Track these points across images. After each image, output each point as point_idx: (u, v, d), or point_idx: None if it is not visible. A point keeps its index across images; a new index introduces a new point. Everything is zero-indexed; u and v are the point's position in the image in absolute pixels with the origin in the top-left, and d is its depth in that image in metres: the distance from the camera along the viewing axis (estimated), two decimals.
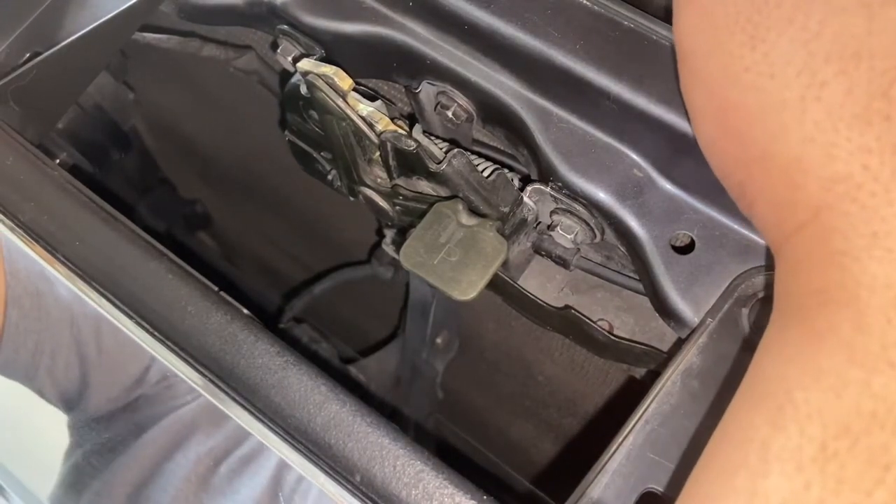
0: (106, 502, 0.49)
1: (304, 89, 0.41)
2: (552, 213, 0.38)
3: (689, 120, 0.30)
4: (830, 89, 0.22)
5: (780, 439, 0.21)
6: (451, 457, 0.79)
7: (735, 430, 0.22)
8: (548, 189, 0.37)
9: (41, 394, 0.49)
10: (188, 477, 0.47)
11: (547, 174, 0.36)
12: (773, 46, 0.23)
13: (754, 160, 0.24)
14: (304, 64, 0.38)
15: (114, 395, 0.50)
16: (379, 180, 0.43)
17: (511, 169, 0.41)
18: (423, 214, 0.39)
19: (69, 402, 0.50)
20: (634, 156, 0.35)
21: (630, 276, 0.40)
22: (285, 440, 0.31)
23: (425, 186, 0.39)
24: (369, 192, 0.44)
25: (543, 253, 0.40)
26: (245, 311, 0.34)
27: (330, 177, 0.47)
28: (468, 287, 0.37)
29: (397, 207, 0.43)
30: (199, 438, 0.47)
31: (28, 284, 0.45)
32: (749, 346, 0.30)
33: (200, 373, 0.32)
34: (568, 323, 0.41)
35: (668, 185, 0.35)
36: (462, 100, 0.39)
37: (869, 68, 0.22)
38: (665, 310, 0.33)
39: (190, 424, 0.48)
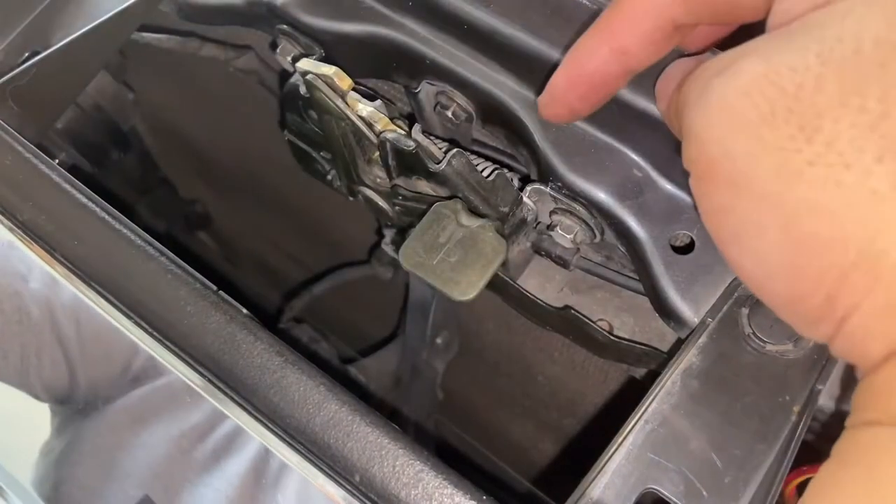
0: (87, 464, 0.48)
1: (303, 89, 0.41)
2: (552, 213, 0.38)
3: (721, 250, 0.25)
4: None
5: None
6: (450, 457, 0.79)
7: None
8: (547, 189, 0.37)
9: (35, 396, 0.49)
10: (181, 442, 0.46)
11: (546, 174, 0.36)
12: (834, 134, 0.21)
13: (852, 265, 0.21)
14: (304, 64, 0.38)
15: (107, 383, 0.49)
16: (378, 180, 0.43)
17: (511, 169, 0.41)
18: (422, 214, 0.39)
19: (63, 399, 0.50)
20: (634, 156, 0.35)
21: (630, 276, 0.40)
22: (284, 440, 0.31)
23: (425, 186, 0.39)
24: (369, 192, 0.44)
25: (543, 253, 0.40)
26: (244, 310, 0.34)
27: (329, 177, 0.47)
28: (467, 287, 0.37)
29: (397, 207, 0.43)
30: (192, 407, 0.47)
31: (6, 286, 0.45)
32: (748, 346, 0.30)
33: (199, 373, 0.32)
34: (568, 323, 0.41)
35: (667, 185, 0.35)
36: (461, 100, 0.39)
37: None
38: (665, 310, 0.33)
39: (183, 393, 0.47)
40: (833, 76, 0.21)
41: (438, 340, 0.72)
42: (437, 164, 0.36)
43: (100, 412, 0.48)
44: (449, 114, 0.40)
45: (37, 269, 0.48)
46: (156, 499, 0.43)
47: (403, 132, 0.38)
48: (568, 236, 0.37)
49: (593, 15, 0.35)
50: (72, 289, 0.35)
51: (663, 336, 0.39)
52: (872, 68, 0.21)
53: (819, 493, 0.21)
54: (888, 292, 0.20)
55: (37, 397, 0.49)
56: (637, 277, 0.37)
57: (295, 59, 0.42)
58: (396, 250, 0.41)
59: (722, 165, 0.23)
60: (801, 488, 0.35)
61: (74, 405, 0.50)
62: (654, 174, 0.35)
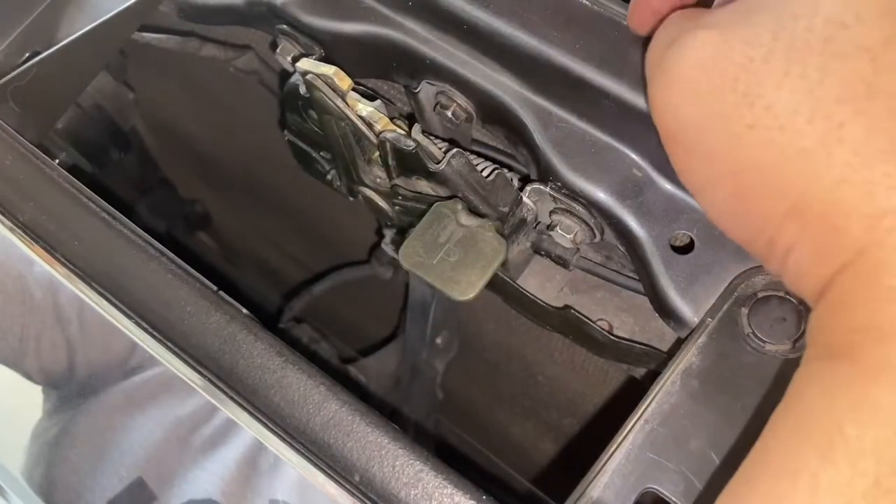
0: (81, 446, 0.48)
1: (303, 89, 0.41)
2: (551, 212, 0.38)
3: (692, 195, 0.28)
4: (851, 129, 0.22)
5: (831, 473, 0.20)
6: (450, 457, 0.79)
7: (781, 460, 0.22)
8: (547, 189, 0.37)
9: (29, 377, 0.49)
10: (178, 430, 0.46)
11: (546, 174, 0.36)
12: (774, 100, 0.23)
13: (786, 213, 0.24)
14: (304, 64, 0.38)
15: (107, 370, 0.49)
16: (378, 180, 0.43)
17: (510, 169, 0.41)
18: (422, 214, 0.39)
19: (59, 382, 0.50)
20: (634, 155, 0.35)
21: (630, 276, 0.40)
22: (284, 440, 0.31)
23: (425, 186, 0.39)
24: (368, 192, 0.44)
25: (543, 253, 0.40)
26: (244, 310, 0.34)
27: (329, 177, 0.47)
28: (467, 287, 0.37)
29: (396, 207, 0.43)
30: (190, 394, 0.47)
31: (9, 268, 0.45)
32: (748, 346, 0.30)
33: (199, 372, 0.32)
34: (568, 323, 0.41)
35: (667, 185, 0.35)
36: (461, 100, 0.39)
37: (886, 103, 0.22)
38: (664, 310, 0.33)
39: (181, 381, 0.47)
40: (782, 49, 0.23)
41: (438, 340, 0.72)
42: (437, 163, 0.36)
43: (95, 396, 0.48)
44: (449, 114, 0.40)
45: None
46: (149, 481, 0.43)
47: (403, 132, 0.38)
48: (568, 236, 0.37)
49: (593, 15, 0.35)
50: (72, 289, 0.35)
51: (663, 336, 0.39)
52: (818, 42, 0.23)
53: (765, 430, 0.23)
54: (814, 238, 0.23)
55: (30, 378, 0.49)
56: (637, 277, 0.37)
57: (295, 59, 0.42)
58: (396, 250, 0.41)
59: (678, 133, 0.26)
60: None
61: (68, 389, 0.50)
62: (654, 174, 0.35)
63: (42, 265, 0.37)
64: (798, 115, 0.23)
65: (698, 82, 0.25)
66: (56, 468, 0.48)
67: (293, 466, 0.31)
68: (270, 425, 0.31)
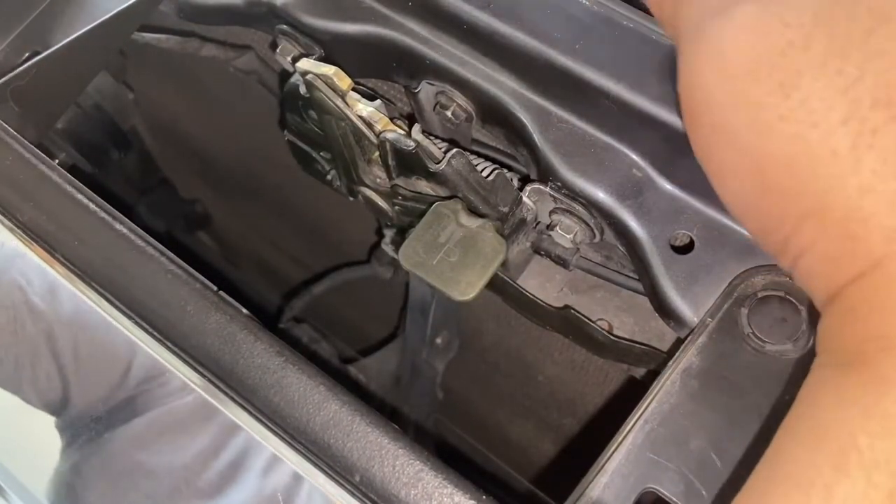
0: (96, 491, 0.48)
1: (303, 89, 0.41)
2: (551, 212, 0.38)
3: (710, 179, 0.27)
4: (884, 136, 0.21)
5: (846, 485, 0.20)
6: (450, 457, 0.79)
7: (795, 470, 0.22)
8: (547, 189, 0.37)
9: (28, 402, 0.50)
10: (185, 473, 0.47)
11: (546, 174, 0.36)
12: (809, 92, 0.22)
13: (806, 214, 0.23)
14: (304, 64, 0.38)
15: (99, 399, 0.50)
16: (378, 180, 0.43)
17: (510, 169, 0.41)
18: (422, 214, 0.39)
19: (56, 410, 0.50)
20: (634, 156, 0.35)
21: (630, 276, 0.40)
22: (284, 440, 0.31)
23: (424, 186, 0.39)
24: (368, 192, 0.44)
25: (543, 253, 0.40)
26: (244, 310, 0.34)
27: (329, 177, 0.47)
28: (467, 287, 0.37)
29: (396, 207, 0.43)
30: (195, 435, 0.47)
31: (3, 297, 0.45)
32: (748, 346, 0.30)
33: (199, 372, 0.32)
34: (567, 323, 0.41)
35: (667, 185, 0.35)
36: (461, 100, 0.39)
37: None
38: (664, 309, 0.33)
39: (186, 421, 0.48)
40: (822, 37, 0.22)
41: (438, 340, 0.72)
42: (437, 163, 0.36)
43: (108, 438, 0.49)
44: (449, 114, 0.40)
45: (37, 283, 0.49)
46: None
47: (403, 132, 0.38)
48: (568, 236, 0.37)
49: (593, 15, 0.35)
50: (71, 288, 0.35)
51: (663, 336, 0.39)
52: (859, 34, 0.22)
53: (777, 437, 0.23)
54: (830, 243, 0.23)
55: (28, 402, 0.49)
56: (637, 277, 0.37)
57: (295, 59, 0.42)
58: (396, 250, 0.41)
59: (704, 113, 0.25)
60: None
61: (69, 418, 0.50)
62: (654, 174, 0.35)
63: (37, 294, 0.37)
64: (833, 113, 0.22)
65: (734, 64, 0.23)
66: None
67: (293, 465, 0.31)
68: (270, 426, 0.31)
